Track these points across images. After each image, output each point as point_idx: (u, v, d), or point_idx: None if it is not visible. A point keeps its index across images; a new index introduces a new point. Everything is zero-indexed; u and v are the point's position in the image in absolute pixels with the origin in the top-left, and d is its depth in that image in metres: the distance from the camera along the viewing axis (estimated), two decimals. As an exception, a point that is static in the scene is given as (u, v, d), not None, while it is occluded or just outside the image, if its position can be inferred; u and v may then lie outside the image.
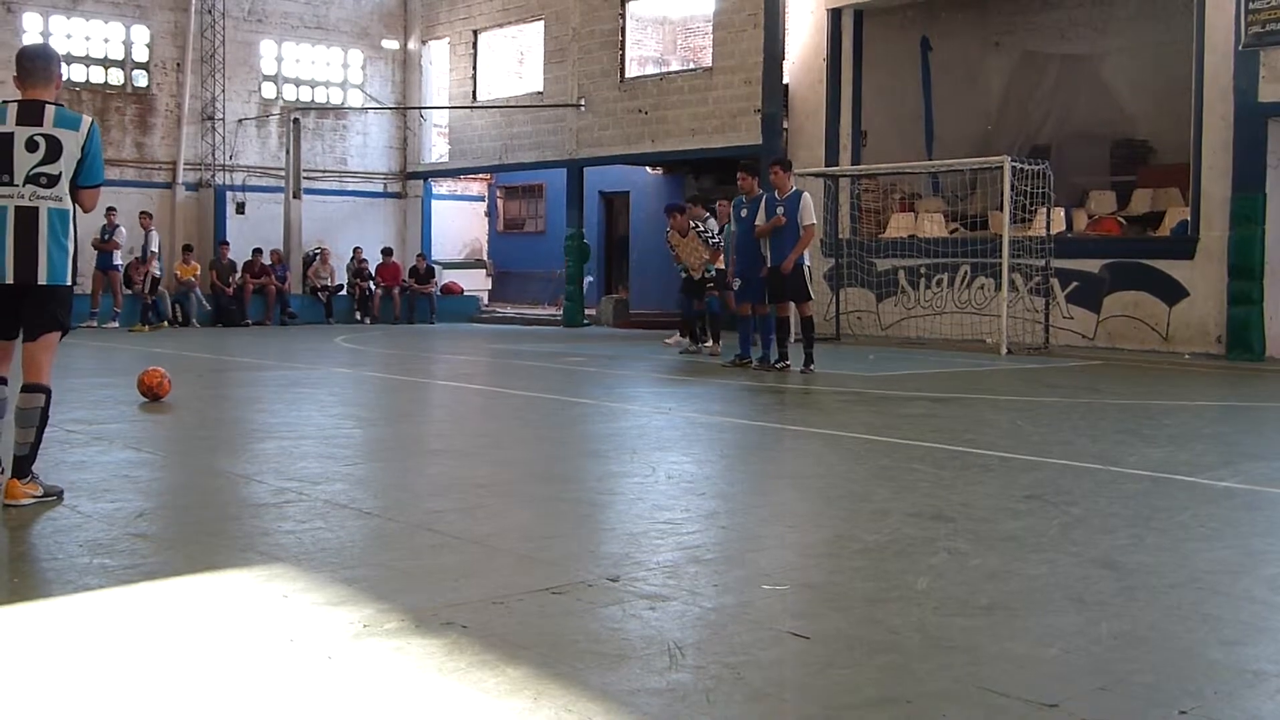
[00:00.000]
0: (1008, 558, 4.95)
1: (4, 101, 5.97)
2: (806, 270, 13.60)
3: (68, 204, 5.89)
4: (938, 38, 22.98)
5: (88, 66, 24.55)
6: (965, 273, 19.10)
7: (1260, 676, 3.57)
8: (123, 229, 22.66)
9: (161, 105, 25.30)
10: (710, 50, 22.78)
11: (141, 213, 23.71)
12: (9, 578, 4.65)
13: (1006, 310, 17.30)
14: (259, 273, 24.63)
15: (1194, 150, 16.90)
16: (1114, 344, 17.48)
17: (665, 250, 17.38)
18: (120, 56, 24.96)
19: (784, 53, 21.09)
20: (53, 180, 5.80)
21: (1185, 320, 16.85)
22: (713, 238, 16.39)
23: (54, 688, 3.40)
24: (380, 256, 26.55)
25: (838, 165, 20.74)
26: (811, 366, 13.41)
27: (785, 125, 21.20)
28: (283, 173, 25.67)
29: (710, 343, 16.66)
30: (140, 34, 25.05)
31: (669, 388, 12.83)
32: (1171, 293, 16.99)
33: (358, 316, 25.80)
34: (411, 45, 28.52)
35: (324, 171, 27.34)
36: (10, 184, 5.74)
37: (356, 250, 26.36)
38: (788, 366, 13.65)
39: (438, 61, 28.40)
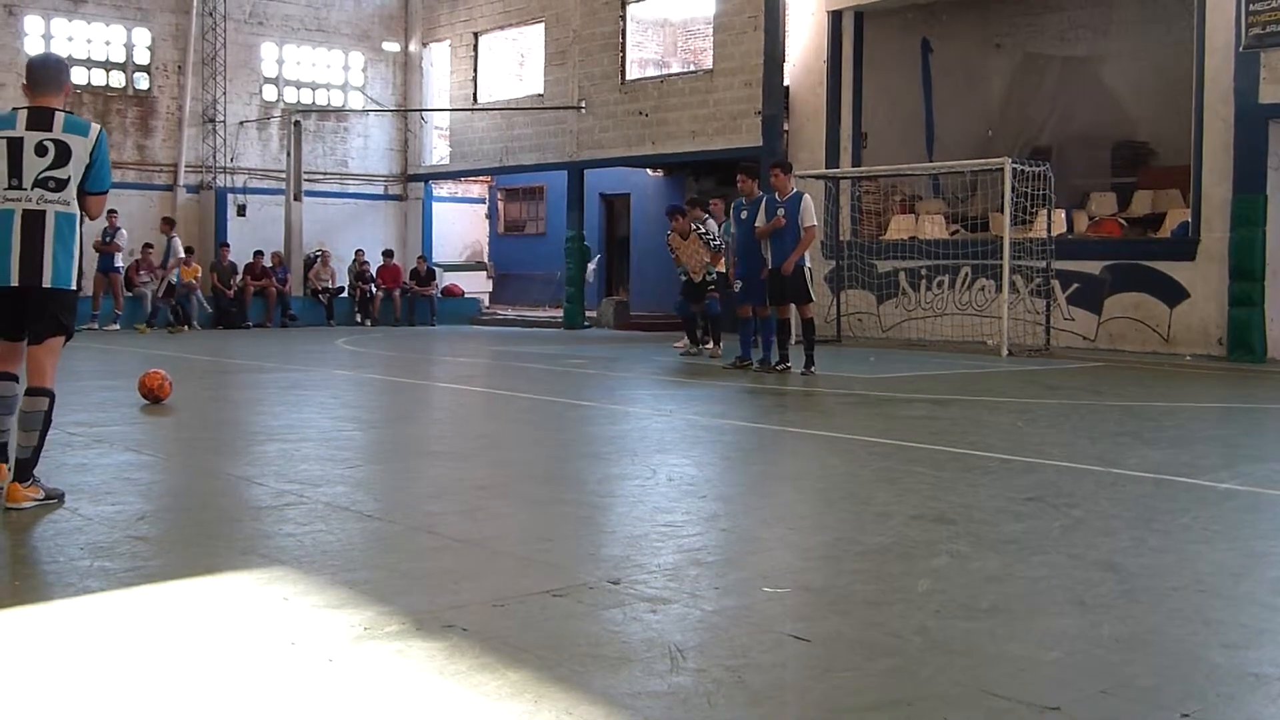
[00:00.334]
0: (1009, 560, 4.95)
1: (14, 109, 6.06)
2: (807, 272, 13.60)
3: (75, 209, 5.94)
4: (938, 39, 22.98)
5: (89, 69, 24.55)
6: (966, 274, 19.09)
7: (1262, 680, 3.56)
8: (124, 231, 22.67)
9: (163, 108, 25.31)
10: (711, 52, 22.78)
11: (164, 219, 24.00)
12: (10, 581, 4.64)
13: (1007, 312, 17.30)
14: (260, 275, 24.63)
15: (1195, 152, 16.89)
16: (1115, 345, 17.48)
17: (666, 252, 17.37)
18: (121, 59, 24.96)
19: (784, 55, 21.09)
20: (61, 184, 5.86)
21: (1186, 322, 16.85)
22: (714, 240, 16.38)
23: (55, 691, 3.40)
24: (381, 259, 26.54)
25: (838, 167, 20.74)
26: (812, 368, 13.41)
27: (786, 127, 21.20)
28: (284, 175, 25.68)
29: (710, 345, 16.65)
30: (141, 36, 25.06)
31: (669, 390, 12.83)
32: (1172, 294, 16.99)
33: (358, 319, 25.79)
34: (412, 47, 28.53)
35: (325, 174, 27.34)
36: (19, 187, 5.81)
37: (358, 253, 26.35)
38: (788, 368, 13.65)
39: (438, 64, 28.41)
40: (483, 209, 31.59)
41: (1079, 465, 7.37)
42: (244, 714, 3.22)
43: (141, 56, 25.14)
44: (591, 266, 26.81)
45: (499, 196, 31.70)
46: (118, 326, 22.18)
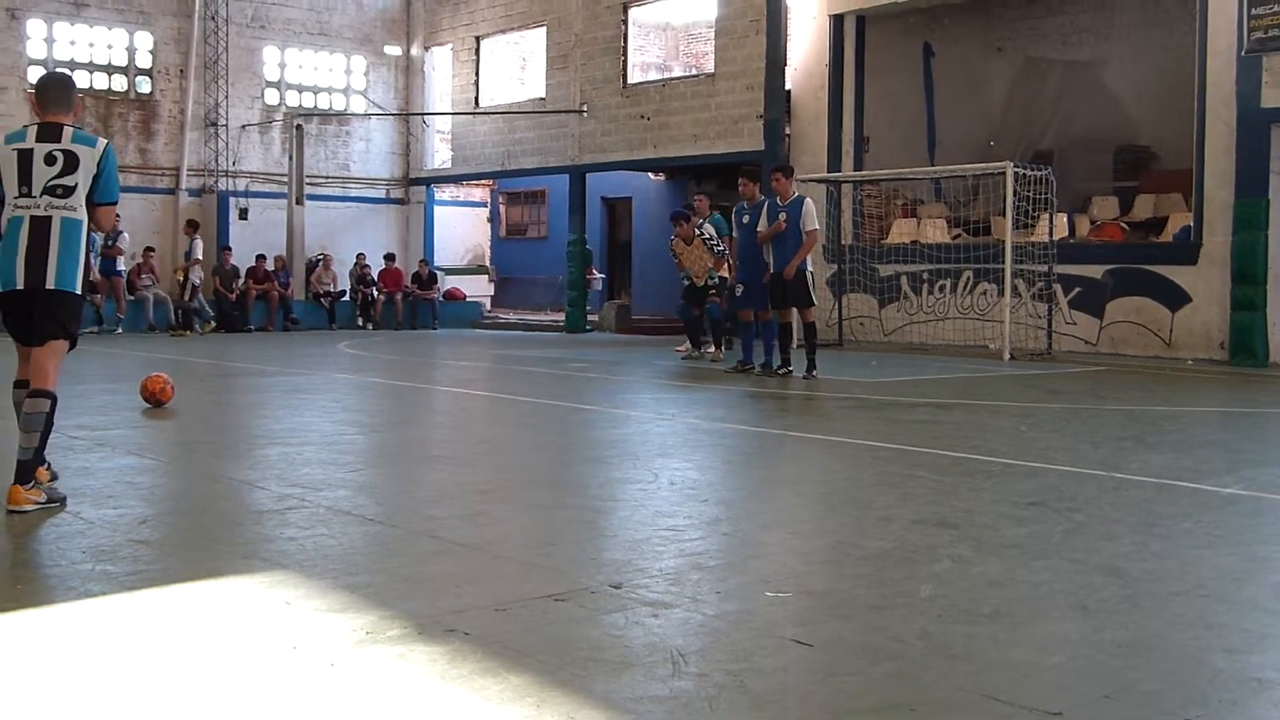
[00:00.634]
0: (1011, 565, 4.95)
1: (25, 125, 6.27)
2: (809, 276, 13.60)
3: (81, 215, 6.07)
4: (940, 43, 22.98)
5: (91, 73, 24.57)
6: (968, 278, 19.09)
7: (1265, 684, 3.56)
8: (125, 235, 22.68)
9: (165, 111, 25.33)
10: (713, 56, 22.78)
11: (187, 221, 24.07)
12: (12, 584, 4.64)
13: (1009, 316, 17.29)
14: (262, 278, 24.63)
15: (1197, 156, 16.88)
16: (1117, 350, 17.46)
17: (668, 256, 17.37)
18: (124, 63, 24.98)
19: (786, 59, 21.09)
20: (69, 191, 6.01)
21: (1188, 326, 16.83)
22: (717, 245, 16.38)
23: (58, 695, 3.40)
24: (383, 262, 26.54)
25: (840, 171, 20.73)
26: (814, 372, 13.40)
27: (788, 131, 21.20)
28: (285, 179, 25.69)
29: (712, 349, 16.65)
30: (143, 40, 25.08)
31: (671, 394, 12.83)
32: (1174, 298, 16.98)
33: (360, 322, 25.80)
34: (414, 51, 28.55)
35: (327, 177, 27.36)
36: (29, 195, 5.97)
37: (359, 256, 26.35)
38: (790, 372, 13.65)
39: (440, 67, 28.42)
40: (484, 213, 31.61)
41: (1081, 470, 7.36)
42: (246, 718, 3.22)
43: (143, 60, 25.16)
44: (601, 276, 26.91)
45: (500, 200, 31.71)
46: (120, 330, 22.18)
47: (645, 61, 26.07)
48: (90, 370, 14.01)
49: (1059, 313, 17.97)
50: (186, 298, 23.09)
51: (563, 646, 3.80)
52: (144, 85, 25.21)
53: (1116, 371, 15.25)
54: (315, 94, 27.64)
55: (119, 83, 24.96)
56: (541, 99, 25.73)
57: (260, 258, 24.75)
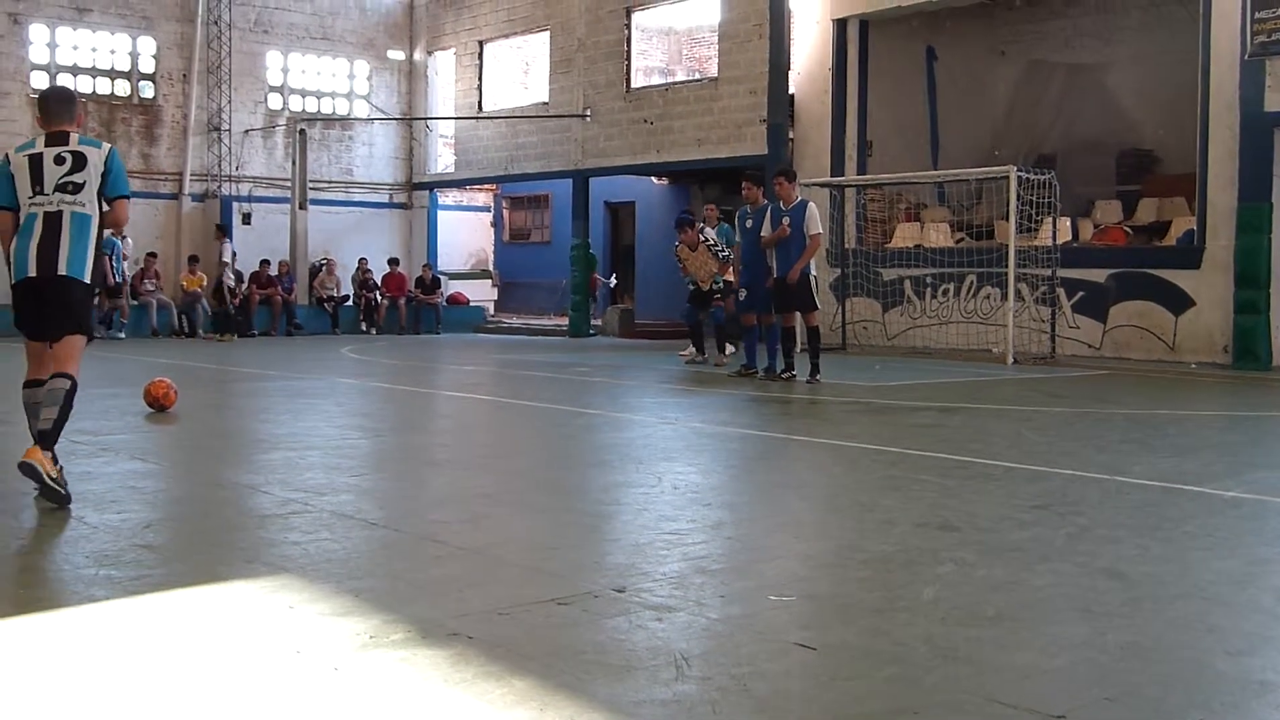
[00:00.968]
0: (1014, 568, 4.95)
1: (34, 138, 6.62)
2: (812, 280, 13.60)
3: (91, 211, 6.40)
4: (943, 47, 22.98)
5: (94, 78, 24.62)
6: (971, 282, 19.08)
7: (1266, 687, 3.56)
8: (129, 240, 22.72)
9: (168, 116, 25.36)
10: (716, 61, 22.78)
11: (217, 225, 24.27)
12: (17, 589, 4.65)
13: (1012, 320, 17.28)
14: (265, 283, 24.66)
15: (1200, 160, 16.88)
16: (1120, 354, 17.45)
17: (672, 260, 17.37)
18: (126, 68, 25.03)
19: (789, 63, 21.08)
20: (78, 187, 6.36)
21: (1191, 330, 16.82)
22: (722, 251, 16.37)
23: (62, 699, 3.40)
24: (386, 266, 26.54)
25: (843, 175, 20.73)
26: (817, 376, 13.40)
27: (791, 135, 21.20)
28: (289, 183, 25.70)
29: (717, 353, 16.65)
30: (146, 45, 25.12)
31: (674, 398, 12.83)
32: (1178, 302, 16.97)
33: (363, 327, 25.81)
34: (417, 56, 28.57)
35: (330, 182, 27.38)
36: (42, 193, 6.34)
37: (361, 261, 26.36)
38: (793, 376, 13.65)
39: (443, 72, 28.44)
40: (488, 217, 31.64)
41: (1084, 473, 7.36)
42: (249, 722, 3.23)
43: (146, 65, 25.20)
44: (612, 281, 26.97)
45: (504, 205, 31.74)
46: (123, 335, 22.19)
47: (648, 66, 26.07)
48: (93, 375, 14.00)
49: (1062, 317, 17.97)
50: (228, 302, 23.51)
51: (566, 650, 3.80)
52: (147, 90, 25.25)
53: (1120, 375, 15.24)
54: (318, 98, 27.67)
55: (122, 88, 25.00)
56: (544, 103, 25.75)
57: (264, 263, 24.77)
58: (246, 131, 26.17)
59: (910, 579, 4.78)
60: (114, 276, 22.18)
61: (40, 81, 23.79)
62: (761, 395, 12.59)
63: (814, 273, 13.73)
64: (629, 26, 23.96)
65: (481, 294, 29.48)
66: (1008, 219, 17.43)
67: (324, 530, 5.57)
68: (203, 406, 11.48)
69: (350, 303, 26.16)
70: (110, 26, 24.61)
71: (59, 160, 6.35)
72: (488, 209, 31.62)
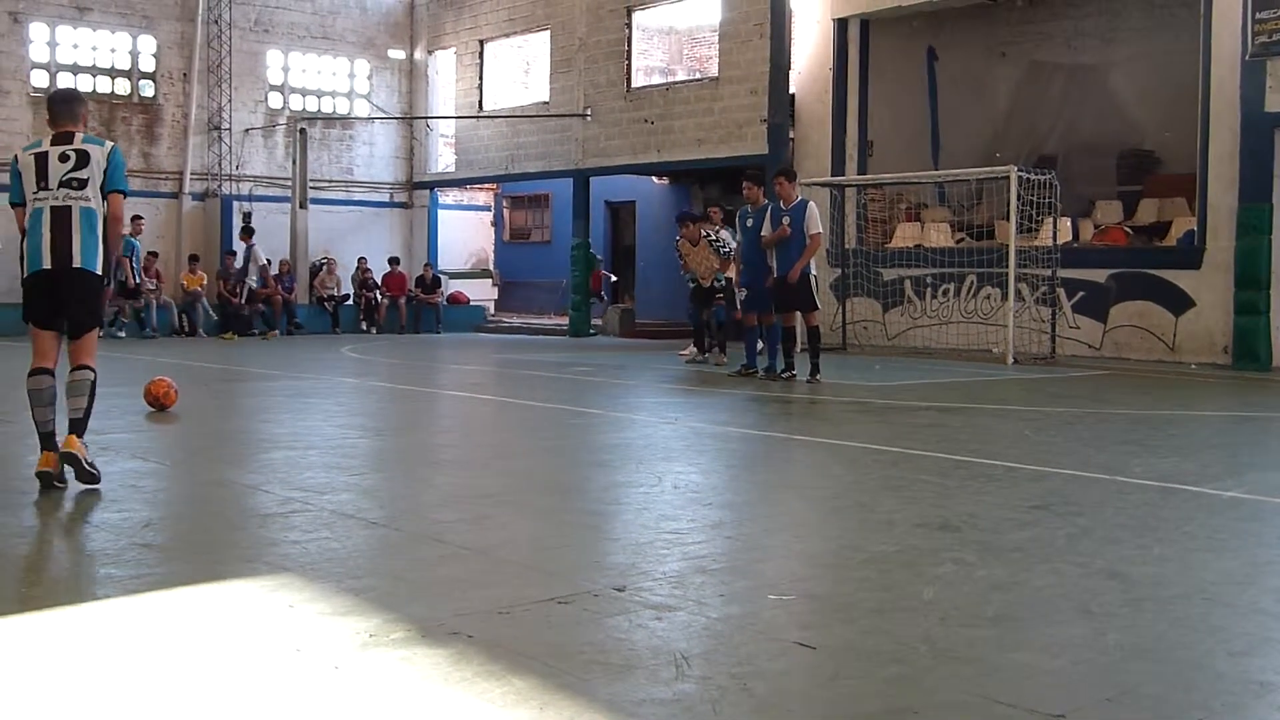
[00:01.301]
0: (1014, 568, 4.95)
1: (41, 139, 6.99)
2: (812, 279, 13.60)
3: (96, 206, 6.74)
4: (944, 48, 22.98)
5: (94, 76, 24.61)
6: (971, 282, 19.09)
7: (1267, 688, 3.56)
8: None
9: (168, 115, 25.35)
10: (716, 60, 22.77)
11: (243, 228, 24.41)
12: (18, 588, 4.65)
13: (1013, 320, 17.29)
14: (266, 283, 24.65)
15: (1200, 160, 16.88)
16: (1120, 354, 17.46)
17: (672, 260, 17.37)
18: (127, 66, 25.01)
19: (790, 63, 21.07)
20: (82, 183, 6.69)
21: (1192, 330, 16.83)
22: (724, 247, 16.36)
23: (63, 697, 3.40)
24: (387, 266, 26.54)
25: (844, 175, 20.73)
26: (817, 376, 13.40)
27: (791, 135, 21.19)
28: (289, 183, 25.68)
29: (717, 351, 16.64)
30: (147, 44, 25.11)
31: (675, 398, 12.83)
32: (1178, 303, 16.97)
33: (364, 326, 25.81)
34: (418, 55, 28.57)
35: (330, 181, 27.37)
36: (46, 188, 6.67)
37: (361, 260, 26.36)
38: (794, 376, 13.65)
39: (444, 71, 28.44)
40: (488, 216, 31.64)
41: (1085, 473, 7.36)
42: (250, 721, 3.24)
43: (147, 64, 25.19)
44: (607, 274, 27.02)
45: (504, 204, 31.74)
46: (124, 334, 22.19)
47: (649, 65, 26.07)
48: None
49: (1062, 317, 17.97)
50: (245, 299, 23.77)
51: (566, 649, 3.80)
52: (147, 89, 25.24)
53: (1120, 376, 15.24)
54: (319, 98, 27.67)
55: (122, 86, 24.98)
56: (545, 103, 25.74)
57: (265, 262, 24.75)
58: (247, 131, 26.16)
59: (910, 579, 4.78)
60: (134, 278, 22.32)
61: (40, 80, 23.80)
62: (762, 395, 12.59)
63: (814, 272, 13.73)
64: (629, 26, 23.96)
65: (482, 293, 29.48)
66: (1008, 219, 17.43)
67: (324, 529, 5.58)
68: (203, 406, 11.48)
69: (350, 302, 26.15)
70: (110, 25, 24.59)
71: (63, 158, 6.66)
72: (488, 208, 31.62)
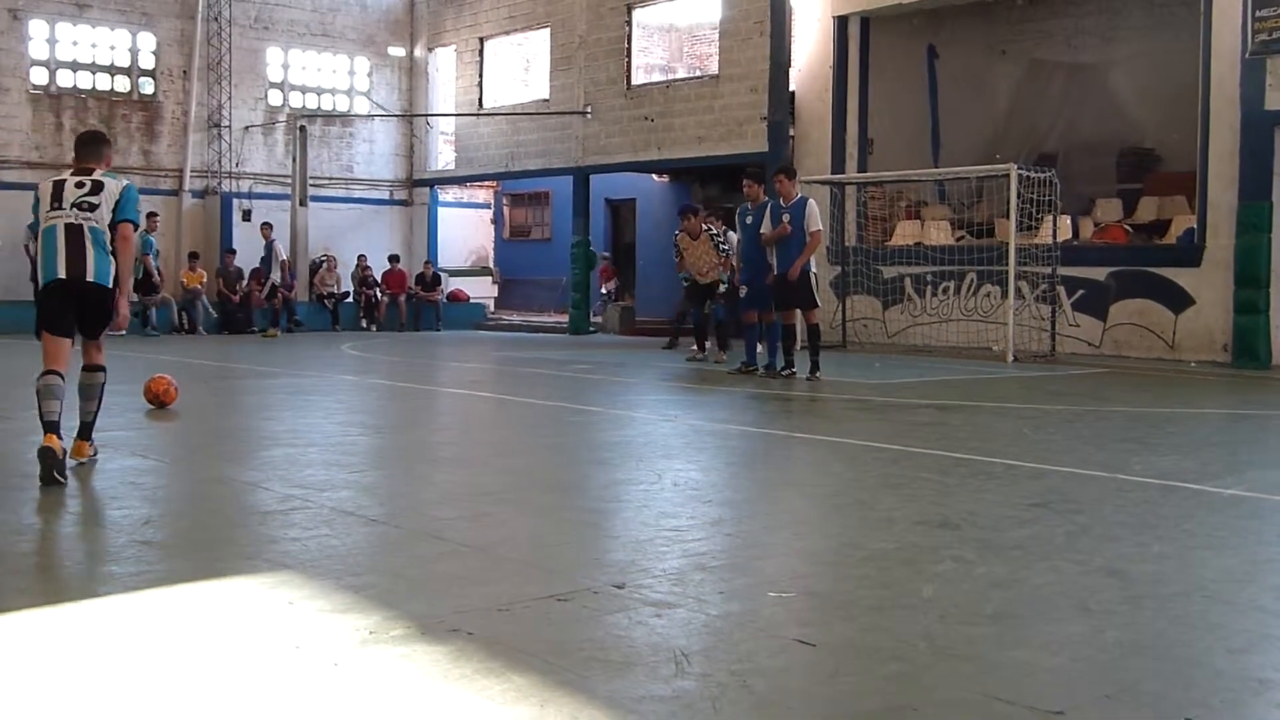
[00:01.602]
0: (1014, 566, 4.95)
1: (63, 168, 7.83)
2: (812, 277, 13.60)
3: (104, 230, 7.16)
4: (944, 46, 22.98)
5: (94, 74, 24.59)
6: (971, 280, 19.09)
7: (1265, 685, 3.56)
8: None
9: (168, 113, 25.34)
10: (717, 58, 22.77)
11: (263, 224, 24.35)
12: (17, 585, 4.65)
13: (1012, 318, 17.29)
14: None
15: (1200, 158, 16.88)
16: (1120, 352, 17.46)
17: (672, 257, 17.29)
18: (126, 64, 24.99)
19: (790, 60, 21.07)
20: (94, 207, 7.16)
21: (1191, 328, 16.83)
22: (724, 244, 16.33)
23: (62, 694, 3.41)
24: (387, 263, 26.54)
25: (844, 173, 20.73)
26: (817, 374, 13.40)
27: (792, 133, 21.19)
28: (289, 180, 25.68)
29: (716, 350, 16.63)
30: (146, 41, 25.10)
31: (674, 395, 12.84)
32: (1178, 301, 16.97)
33: (364, 324, 25.81)
34: (418, 53, 28.56)
35: (330, 179, 27.37)
36: (60, 208, 7.14)
37: (360, 258, 26.36)
38: (793, 374, 13.65)
39: (444, 69, 28.43)
40: (488, 214, 31.63)
41: (1084, 471, 7.37)
42: (249, 717, 3.23)
43: (146, 61, 25.17)
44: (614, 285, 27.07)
45: (504, 202, 31.73)
46: (124, 333, 22.15)
47: (649, 63, 26.06)
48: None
49: (1062, 315, 17.97)
50: (265, 295, 24.00)
51: (566, 646, 3.80)
52: (147, 86, 25.22)
53: (1119, 374, 15.24)
54: (319, 95, 27.66)
55: (122, 84, 24.96)
56: (545, 100, 25.74)
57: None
58: (247, 128, 26.15)
59: (910, 576, 4.78)
60: (156, 274, 22.49)
61: (40, 77, 23.80)
62: (761, 393, 12.59)
63: (814, 270, 13.73)
64: (630, 23, 23.96)
65: (482, 291, 29.48)
66: (1008, 217, 17.43)
67: (324, 526, 5.58)
68: (203, 403, 11.48)
69: (350, 300, 26.16)
70: (110, 22, 24.58)
71: (79, 185, 7.19)
72: (488, 206, 31.62)
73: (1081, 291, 17.95)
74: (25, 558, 5.10)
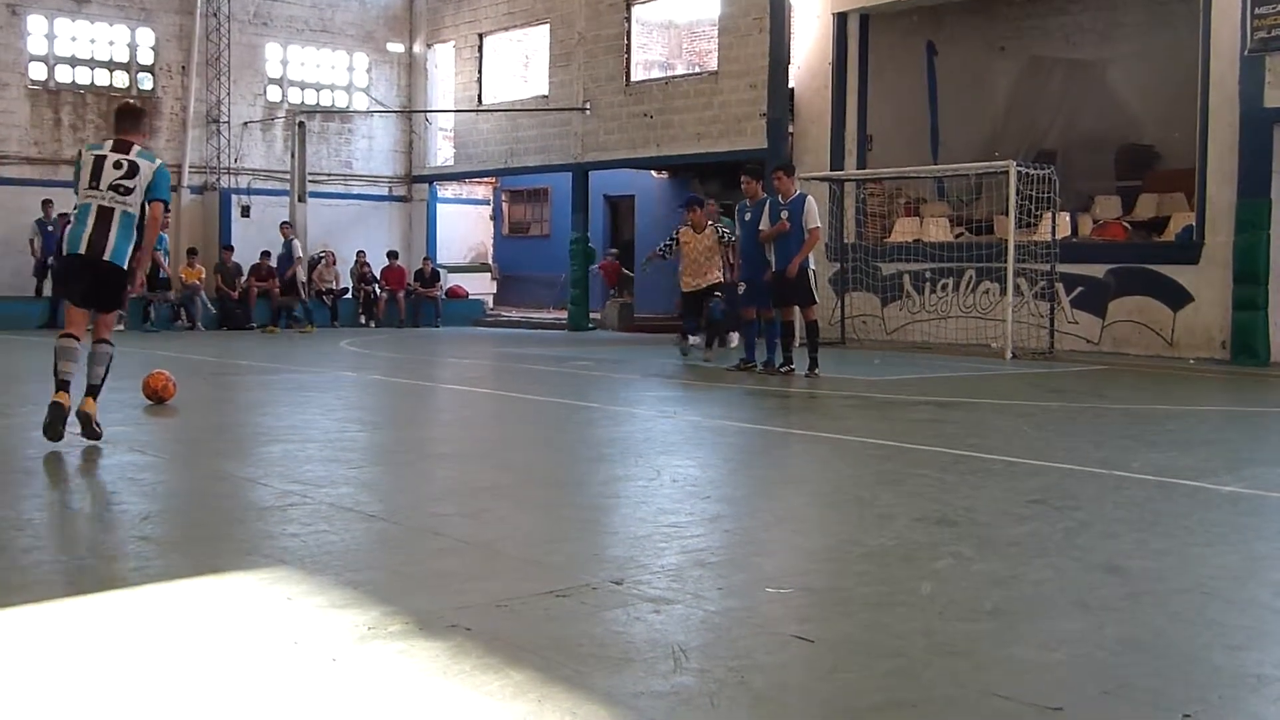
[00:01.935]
0: (1012, 562, 4.95)
1: (104, 138, 8.35)
2: (811, 274, 13.60)
3: (135, 211, 7.85)
4: (943, 42, 22.97)
5: (92, 69, 24.59)
6: (970, 277, 19.09)
7: (1264, 681, 3.56)
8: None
9: (166, 108, 25.34)
10: (716, 54, 22.77)
11: (282, 223, 24.28)
12: (15, 580, 4.65)
13: (1011, 315, 17.30)
14: (264, 276, 24.62)
15: (1199, 155, 16.89)
16: (1119, 349, 17.47)
17: (657, 246, 16.96)
18: (125, 59, 24.99)
19: (789, 57, 21.08)
20: (128, 191, 7.80)
21: (1190, 325, 16.83)
22: (729, 235, 15.95)
23: (60, 690, 3.40)
24: (386, 260, 26.53)
25: (843, 170, 20.73)
26: (816, 371, 13.40)
27: (791, 130, 21.19)
28: (288, 176, 25.66)
29: (705, 348, 16.56)
30: (145, 37, 25.09)
31: (673, 392, 12.83)
32: (1176, 298, 16.98)
33: (363, 320, 25.81)
34: (416, 49, 28.55)
35: (329, 175, 27.36)
36: (96, 189, 7.77)
37: (359, 254, 26.35)
38: (792, 370, 13.65)
39: (443, 65, 28.43)
40: (487, 210, 31.63)
41: (1083, 468, 7.37)
42: (248, 713, 3.23)
43: (145, 57, 25.17)
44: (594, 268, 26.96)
45: (503, 198, 31.73)
46: (122, 328, 22.18)
47: (648, 59, 26.06)
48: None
49: (1061, 312, 17.98)
50: (305, 296, 23.96)
51: (564, 642, 3.80)
52: (146, 82, 25.21)
53: (1118, 371, 15.24)
54: (318, 91, 27.65)
55: (120, 79, 24.96)
56: (544, 96, 25.73)
57: (264, 255, 24.71)
58: (245, 124, 26.15)
59: (908, 573, 4.78)
60: (166, 269, 22.59)
61: (39, 73, 23.79)
62: (760, 389, 12.59)
63: (813, 267, 13.73)
64: (629, 20, 23.96)
65: (481, 287, 29.48)
66: (1007, 214, 17.44)
67: (323, 523, 5.58)
68: (202, 399, 11.47)
69: (349, 296, 26.15)
70: (109, 18, 24.57)
71: (117, 165, 7.76)
72: (487, 202, 31.61)
73: (1080, 288, 17.96)
74: (24, 553, 5.09)
